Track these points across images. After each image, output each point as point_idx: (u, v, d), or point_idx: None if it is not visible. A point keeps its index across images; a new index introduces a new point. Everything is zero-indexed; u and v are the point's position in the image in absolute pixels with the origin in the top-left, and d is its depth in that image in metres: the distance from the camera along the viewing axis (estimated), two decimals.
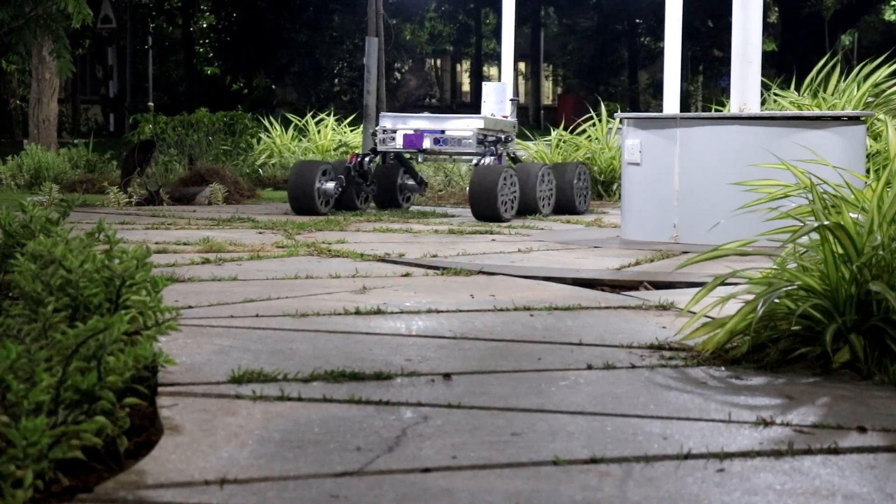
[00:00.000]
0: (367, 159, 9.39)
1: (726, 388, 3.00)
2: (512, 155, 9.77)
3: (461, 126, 9.11)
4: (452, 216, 8.94)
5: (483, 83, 10.48)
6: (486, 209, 8.50)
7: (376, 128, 9.45)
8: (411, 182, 9.86)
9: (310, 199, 8.86)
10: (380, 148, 9.35)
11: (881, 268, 3.28)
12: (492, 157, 9.01)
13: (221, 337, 3.58)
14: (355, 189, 9.35)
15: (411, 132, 9.15)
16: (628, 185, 7.08)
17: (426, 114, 9.69)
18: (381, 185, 9.65)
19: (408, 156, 9.77)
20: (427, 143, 9.08)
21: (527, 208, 8.90)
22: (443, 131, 9.09)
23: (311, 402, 2.77)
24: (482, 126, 9.14)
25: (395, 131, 9.21)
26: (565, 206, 9.34)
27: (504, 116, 9.70)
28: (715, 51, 39.22)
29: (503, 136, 9.35)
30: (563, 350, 3.46)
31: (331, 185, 9.00)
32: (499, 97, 9.88)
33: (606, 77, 41.80)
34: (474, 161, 9.07)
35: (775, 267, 3.46)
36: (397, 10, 34.95)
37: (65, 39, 10.97)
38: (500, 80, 12.20)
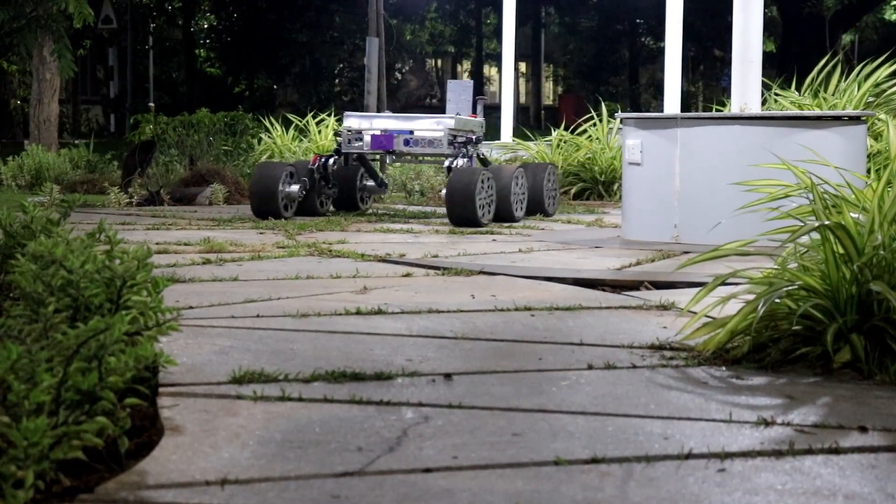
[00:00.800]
0: (331, 161, 9.01)
1: (727, 388, 3.00)
2: (481, 156, 9.37)
3: (430, 126, 8.74)
4: None
5: (448, 80, 10.11)
6: (464, 213, 8.13)
7: (340, 128, 9.09)
8: (371, 183, 9.50)
9: (273, 202, 8.51)
10: (345, 149, 8.97)
11: (882, 268, 3.28)
12: (464, 159, 8.67)
13: (222, 337, 3.58)
14: (317, 191, 8.99)
15: (379, 133, 8.79)
16: (629, 186, 7.08)
17: (388, 113, 9.42)
18: (341, 187, 9.29)
19: (370, 157, 9.39)
20: (397, 145, 8.75)
21: (501, 212, 8.53)
22: (411, 132, 8.74)
23: (312, 402, 2.77)
24: (452, 126, 8.76)
25: (360, 132, 8.84)
26: (535, 209, 9.04)
27: (472, 116, 9.24)
28: (716, 51, 39.21)
29: (473, 137, 8.95)
30: (564, 350, 3.46)
31: (295, 187, 8.69)
32: (463, 95, 9.38)
33: (607, 77, 41.80)
34: (446, 163, 8.68)
35: (776, 267, 3.46)
36: (398, 10, 34.96)
37: (66, 39, 10.96)
38: (500, 80, 12.14)
